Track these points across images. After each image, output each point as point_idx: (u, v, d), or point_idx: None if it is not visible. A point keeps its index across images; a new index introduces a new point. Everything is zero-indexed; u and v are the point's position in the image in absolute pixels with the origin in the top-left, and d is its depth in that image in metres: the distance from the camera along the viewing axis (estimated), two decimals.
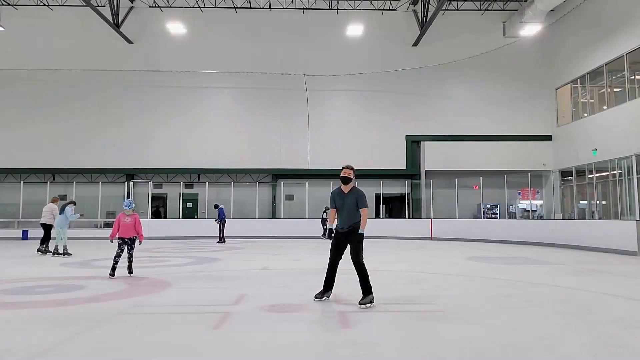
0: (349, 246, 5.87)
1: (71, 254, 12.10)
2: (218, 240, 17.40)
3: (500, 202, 21.53)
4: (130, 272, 8.27)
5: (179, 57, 23.02)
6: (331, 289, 5.92)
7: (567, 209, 21.40)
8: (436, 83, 22.97)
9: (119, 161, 22.47)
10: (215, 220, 17.52)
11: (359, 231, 5.78)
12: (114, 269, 8.05)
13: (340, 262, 5.93)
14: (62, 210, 12.32)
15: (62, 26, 23.03)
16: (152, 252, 13.59)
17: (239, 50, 23.04)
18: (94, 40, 22.89)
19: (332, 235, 5.94)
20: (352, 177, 5.94)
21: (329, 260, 5.94)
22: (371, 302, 5.57)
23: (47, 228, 13.00)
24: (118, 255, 8.12)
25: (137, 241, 8.37)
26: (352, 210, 5.84)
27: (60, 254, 12.09)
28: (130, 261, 8.31)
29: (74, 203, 12.96)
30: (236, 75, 22.98)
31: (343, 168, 5.98)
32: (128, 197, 22.09)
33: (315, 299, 5.85)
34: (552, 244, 15.57)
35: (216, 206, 17.95)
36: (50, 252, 12.50)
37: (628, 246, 12.41)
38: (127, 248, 8.25)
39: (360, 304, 5.53)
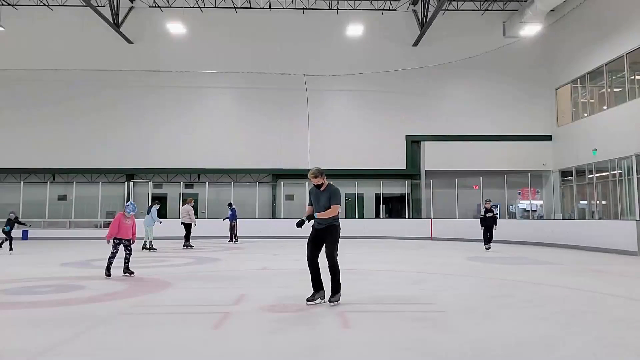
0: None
1: (156, 249, 13.73)
2: (229, 239, 17.80)
3: (500, 202, 21.51)
4: (127, 272, 8.20)
5: (179, 57, 23.01)
6: (322, 289, 5.76)
7: (567, 209, 21.39)
8: (436, 83, 22.95)
9: (119, 161, 22.46)
10: (224, 219, 17.96)
11: (312, 216, 5.78)
12: (108, 269, 8.04)
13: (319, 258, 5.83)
14: (148, 211, 13.92)
15: (62, 26, 23.02)
16: (152, 252, 13.60)
17: (239, 50, 23.03)
18: (94, 40, 22.88)
19: (302, 225, 5.72)
20: (322, 182, 5.90)
21: (307, 258, 5.81)
22: (339, 300, 5.70)
23: (187, 226, 14.85)
24: (113, 256, 8.11)
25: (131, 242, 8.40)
26: (327, 207, 5.79)
27: (147, 249, 13.74)
28: (128, 261, 8.27)
29: (157, 203, 14.49)
30: (236, 75, 22.97)
31: (311, 177, 5.87)
32: (128, 197, 22.10)
33: (308, 303, 5.61)
34: (552, 244, 15.56)
35: (230, 205, 18.18)
36: (192, 246, 14.74)
37: (628, 246, 12.41)
38: (126, 249, 8.22)
39: (330, 301, 5.64)
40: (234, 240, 17.74)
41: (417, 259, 11.77)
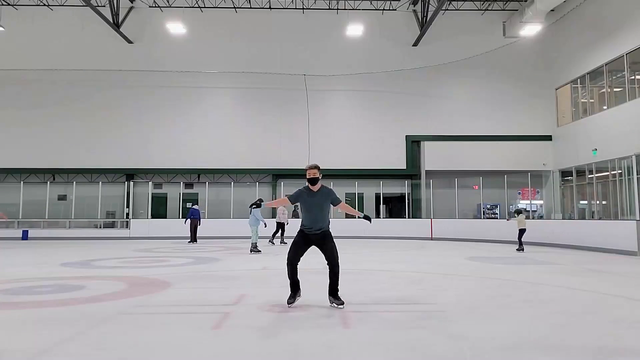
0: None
1: (260, 251, 13.30)
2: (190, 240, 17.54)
3: (500, 202, 21.53)
4: None
5: (179, 57, 23.01)
6: (300, 289, 5.68)
7: (567, 209, 21.40)
8: (436, 83, 22.96)
9: (119, 161, 22.47)
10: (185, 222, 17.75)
11: (365, 215, 6.03)
12: None
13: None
14: (250, 211, 13.67)
15: (62, 26, 23.03)
16: (152, 252, 13.60)
17: (239, 50, 23.03)
18: (94, 40, 22.89)
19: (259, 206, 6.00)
20: (319, 176, 5.79)
21: (289, 260, 5.61)
22: (343, 303, 5.52)
23: (280, 225, 16.50)
24: None
25: None
26: (322, 210, 5.67)
27: (255, 250, 13.26)
28: None
29: (260, 201, 14.25)
30: (236, 75, 22.97)
31: (308, 169, 5.81)
32: (128, 197, 22.11)
33: (289, 305, 5.55)
34: (552, 244, 15.56)
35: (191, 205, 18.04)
36: (285, 243, 15.79)
37: (628, 246, 12.40)
38: None
39: (338, 305, 5.46)
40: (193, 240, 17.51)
41: (417, 259, 11.77)
